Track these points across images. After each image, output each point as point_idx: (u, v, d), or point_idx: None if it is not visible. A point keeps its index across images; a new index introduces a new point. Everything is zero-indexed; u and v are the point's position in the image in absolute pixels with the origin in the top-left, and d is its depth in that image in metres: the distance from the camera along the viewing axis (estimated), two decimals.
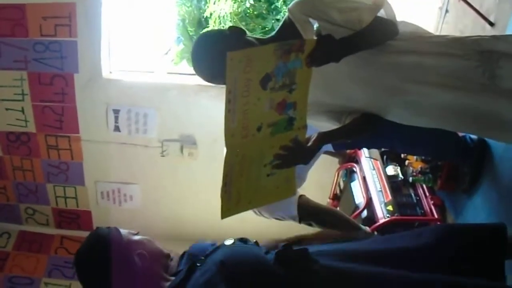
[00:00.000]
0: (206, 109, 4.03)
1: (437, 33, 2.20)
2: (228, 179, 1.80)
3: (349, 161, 3.96)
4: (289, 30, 2.02)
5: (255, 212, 3.03)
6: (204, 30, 2.88)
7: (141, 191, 4.39)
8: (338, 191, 4.09)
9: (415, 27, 2.17)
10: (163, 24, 6.88)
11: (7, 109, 4.27)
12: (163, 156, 4.20)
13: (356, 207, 3.70)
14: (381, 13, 2.01)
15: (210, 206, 4.27)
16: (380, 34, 1.99)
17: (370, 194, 3.60)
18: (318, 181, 3.78)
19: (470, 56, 1.99)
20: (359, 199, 3.70)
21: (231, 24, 5.75)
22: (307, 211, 3.01)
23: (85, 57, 4.03)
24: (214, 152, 4.09)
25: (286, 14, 2.07)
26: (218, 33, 2.07)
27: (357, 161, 3.89)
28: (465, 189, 3.19)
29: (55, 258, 4.64)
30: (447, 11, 3.95)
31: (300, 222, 3.04)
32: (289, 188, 2.03)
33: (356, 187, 3.79)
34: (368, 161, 3.83)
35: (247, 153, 1.81)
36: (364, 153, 3.90)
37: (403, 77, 2.04)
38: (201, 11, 6.72)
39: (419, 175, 3.46)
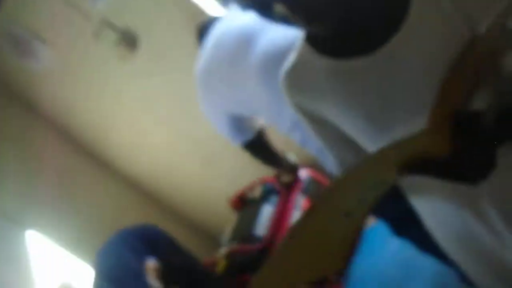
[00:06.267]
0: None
1: None
2: None
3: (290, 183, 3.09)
4: None
5: None
6: None
7: (51, 55, 3.48)
8: (248, 197, 3.28)
9: None
10: None
11: None
12: (94, 37, 3.26)
13: (250, 236, 2.93)
14: None
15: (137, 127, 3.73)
16: None
17: (278, 238, 2.89)
18: (241, 170, 3.13)
19: None
20: (261, 231, 2.91)
21: None
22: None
23: None
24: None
25: None
26: None
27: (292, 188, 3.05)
28: None
29: None
30: None
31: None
32: None
33: (266, 215, 2.99)
34: (300, 198, 3.02)
35: None
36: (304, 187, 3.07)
37: None
38: None
39: None
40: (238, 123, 2.25)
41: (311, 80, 1.13)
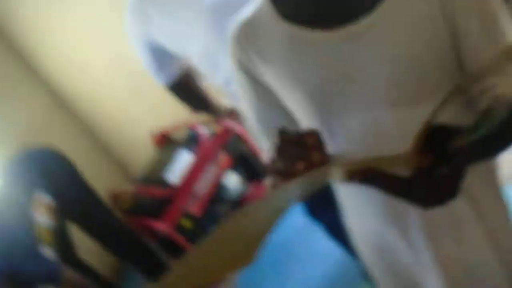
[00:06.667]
0: None
1: None
2: None
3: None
4: None
5: None
6: None
7: None
8: (172, 137, 3.16)
9: None
10: None
11: None
12: None
13: (161, 180, 2.82)
14: None
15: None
16: None
17: (186, 190, 2.81)
18: (171, 107, 2.92)
19: None
20: (172, 177, 2.81)
21: None
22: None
23: None
24: None
25: None
26: None
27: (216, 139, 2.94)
28: None
29: None
30: None
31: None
32: None
33: (182, 161, 2.87)
34: (221, 154, 2.91)
35: None
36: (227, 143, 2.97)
37: None
38: None
39: None
40: (165, 60, 2.06)
41: (264, 40, 1.02)
